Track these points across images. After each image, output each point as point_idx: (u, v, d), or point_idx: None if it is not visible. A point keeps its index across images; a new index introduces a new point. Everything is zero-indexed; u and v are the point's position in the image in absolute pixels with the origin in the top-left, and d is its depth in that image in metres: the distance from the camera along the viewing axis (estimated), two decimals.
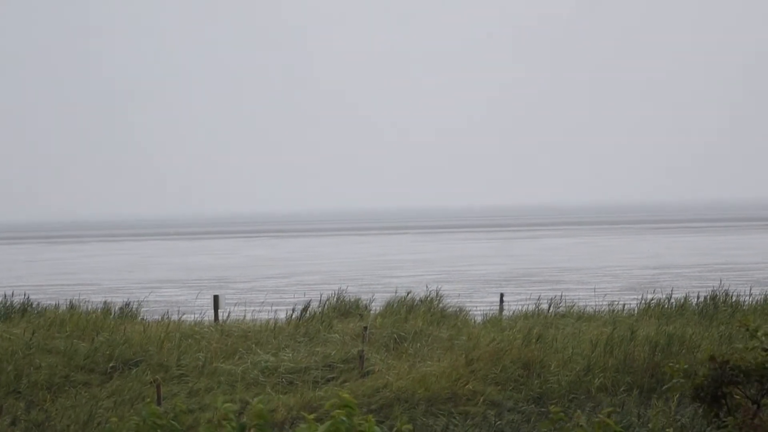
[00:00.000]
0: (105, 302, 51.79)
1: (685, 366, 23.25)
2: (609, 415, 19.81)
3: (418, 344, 42.88)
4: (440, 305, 50.15)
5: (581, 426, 18.68)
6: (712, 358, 22.37)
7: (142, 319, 50.33)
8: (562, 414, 20.63)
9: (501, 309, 51.56)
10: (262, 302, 58.95)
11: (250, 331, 46.12)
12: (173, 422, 19.51)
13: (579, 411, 31.06)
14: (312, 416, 16.99)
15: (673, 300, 49.00)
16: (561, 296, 52.32)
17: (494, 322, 47.16)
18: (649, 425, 23.21)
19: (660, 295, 50.05)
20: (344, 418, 16.78)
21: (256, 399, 17.17)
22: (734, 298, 49.28)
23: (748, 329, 22.35)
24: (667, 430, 22.23)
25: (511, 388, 38.00)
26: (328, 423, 16.65)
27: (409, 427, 18.60)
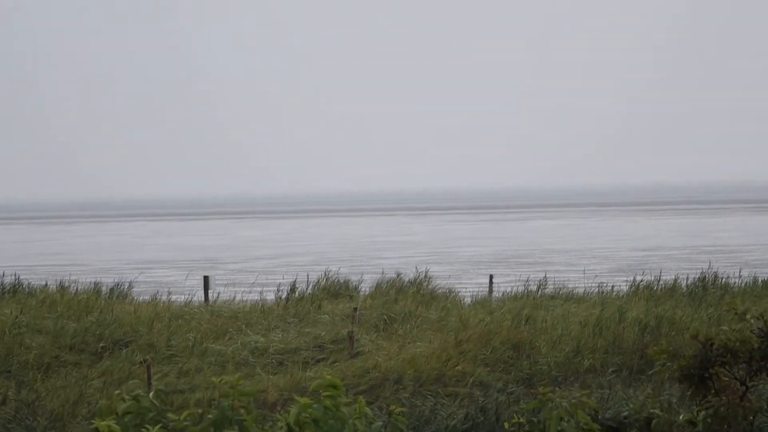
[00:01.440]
0: (95, 283, 51.84)
1: (670, 348, 23.36)
2: (589, 396, 19.97)
3: (408, 325, 42.96)
4: (429, 287, 50.25)
5: (563, 406, 18.82)
6: (694, 337, 22.46)
7: (133, 299, 50.40)
8: (550, 395, 20.80)
9: (490, 290, 51.67)
10: (252, 283, 59.00)
11: (240, 312, 46.21)
12: (162, 406, 19.67)
13: (559, 390, 31.24)
14: (304, 399, 17.14)
15: (662, 282, 49.08)
16: (550, 278, 52.47)
17: (483, 303, 47.24)
18: (633, 406, 23.26)
19: (649, 277, 50.14)
20: (317, 405, 16.93)
21: (236, 376, 17.23)
22: (723, 281, 49.38)
23: (736, 312, 22.45)
24: (652, 410, 22.29)
25: (500, 369, 38.09)
26: (298, 407, 16.79)
27: (403, 410, 18.76)
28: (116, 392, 20.39)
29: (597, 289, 50.00)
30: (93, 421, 18.37)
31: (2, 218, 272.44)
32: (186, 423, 17.86)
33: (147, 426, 18.14)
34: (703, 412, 21.54)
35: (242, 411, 16.90)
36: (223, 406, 16.96)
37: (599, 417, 19.34)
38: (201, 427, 17.03)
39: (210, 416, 17.13)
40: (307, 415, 16.58)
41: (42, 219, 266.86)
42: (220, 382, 17.58)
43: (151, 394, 18.25)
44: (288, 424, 16.59)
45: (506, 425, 21.27)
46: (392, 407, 17.95)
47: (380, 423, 17.38)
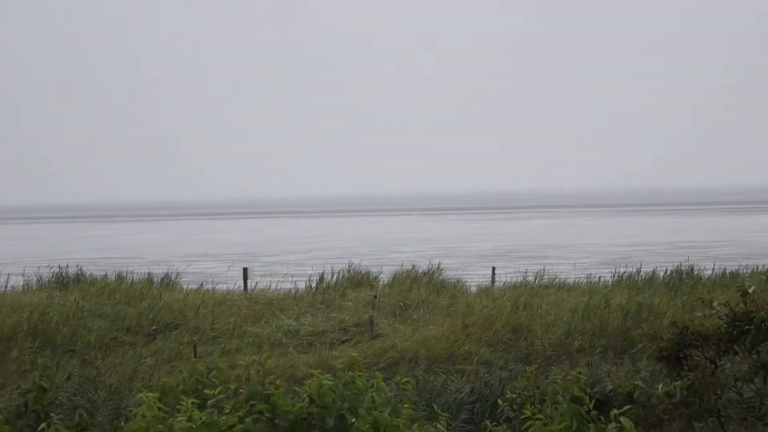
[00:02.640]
0: (148, 273, 51.95)
1: (651, 332, 23.41)
2: (580, 372, 19.97)
3: (421, 311, 42.98)
4: (440, 277, 50.28)
5: (557, 381, 18.81)
6: (673, 323, 22.51)
7: (181, 288, 50.48)
8: (538, 372, 20.83)
9: (493, 280, 51.68)
10: (285, 274, 59.02)
11: (274, 299, 46.26)
12: (213, 379, 19.69)
13: (555, 368, 31.26)
14: (324, 374, 17.17)
15: (642, 273, 49.13)
16: (545, 269, 52.45)
17: (487, 292, 47.26)
18: (617, 381, 23.30)
19: (631, 269, 50.18)
20: (330, 382, 16.96)
21: (264, 356, 17.32)
22: (696, 272, 49.41)
23: (703, 301, 22.50)
24: (636, 381, 22.32)
25: (501, 349, 38.11)
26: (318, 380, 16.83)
27: (408, 380, 18.77)
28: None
29: (585, 279, 50.04)
30: (142, 394, 18.40)
31: (70, 217, 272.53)
32: (221, 396, 17.90)
33: (184, 399, 18.18)
34: (679, 383, 21.59)
35: (271, 386, 16.95)
36: (254, 383, 17.00)
37: (588, 391, 19.34)
38: (235, 400, 17.08)
39: (242, 390, 17.19)
40: (326, 388, 16.66)
41: (104, 218, 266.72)
42: (250, 361, 17.61)
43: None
44: (309, 396, 16.64)
45: (500, 402, 21.29)
46: (399, 378, 18.02)
47: (393, 394, 17.42)
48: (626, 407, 18.55)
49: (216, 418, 16.84)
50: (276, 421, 16.60)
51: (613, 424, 17.07)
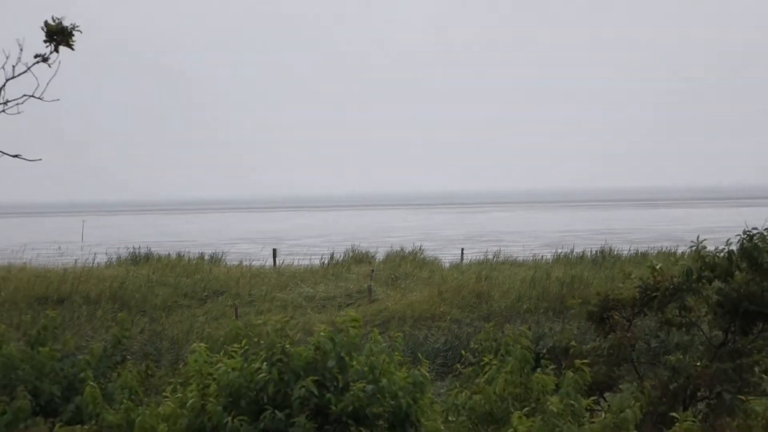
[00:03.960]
0: (201, 253, 51.99)
1: (581, 298, 23.41)
2: (529, 328, 19.94)
3: (407, 281, 43.07)
4: (421, 256, 50.31)
5: (509, 335, 18.78)
6: (598, 293, 22.50)
7: (225, 264, 50.48)
8: (494, 328, 20.81)
9: (462, 258, 51.69)
10: (305, 253, 59.13)
11: (296, 272, 46.37)
12: (249, 332, 19.64)
13: (508, 325, 31.29)
14: (327, 328, 17.15)
15: (575, 253, 49.17)
16: (501, 250, 52.48)
17: (457, 267, 47.31)
18: (555, 337, 23.30)
19: (566, 250, 50.22)
20: (331, 339, 16.93)
21: (280, 316, 17.56)
22: (616, 252, 49.42)
23: (624, 273, 22.47)
24: (569, 342, 22.30)
25: (468, 310, 38.14)
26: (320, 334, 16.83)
27: (399, 334, 18.73)
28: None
29: (532, 257, 50.03)
30: (195, 344, 18.40)
31: (141, 210, 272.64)
32: (247, 347, 17.87)
33: (226, 346, 18.16)
34: (599, 338, 21.57)
35: (286, 340, 16.96)
36: (271, 337, 16.99)
37: (535, 346, 19.36)
38: (259, 350, 17.07)
39: (263, 343, 17.18)
40: (324, 338, 16.67)
41: (166, 211, 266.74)
42: (267, 320, 17.67)
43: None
44: (314, 345, 16.63)
45: (463, 352, 21.27)
46: (391, 332, 17.99)
47: (386, 344, 17.38)
48: (583, 361, 18.50)
49: (246, 362, 16.85)
50: (290, 365, 16.59)
51: (571, 372, 16.93)
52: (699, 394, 20.15)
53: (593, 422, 16.79)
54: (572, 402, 15.40)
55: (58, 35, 14.82)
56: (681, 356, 20.51)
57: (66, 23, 14.88)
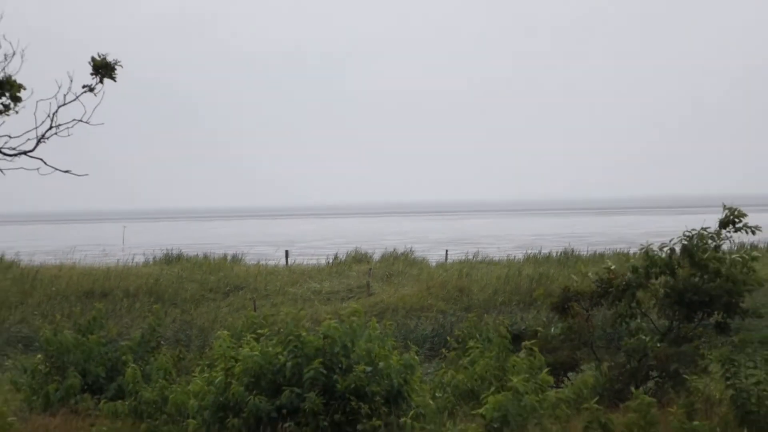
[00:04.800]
0: (223, 253, 51.95)
1: (547, 292, 23.42)
2: (504, 319, 19.98)
3: (400, 278, 43.02)
4: (412, 256, 50.25)
5: (488, 324, 18.78)
6: (561, 287, 22.54)
7: (245, 263, 50.44)
8: (476, 318, 20.78)
9: (446, 258, 51.64)
10: (312, 254, 59.14)
11: (305, 270, 46.31)
12: (263, 320, 19.62)
13: (487, 315, 31.35)
14: (333, 319, 17.16)
15: (542, 253, 49.14)
16: (479, 251, 52.47)
17: (442, 265, 47.26)
18: (526, 323, 23.36)
19: (535, 251, 50.20)
20: (336, 326, 16.93)
21: (288, 309, 17.66)
22: (576, 253, 49.37)
23: (582, 272, 22.53)
24: (537, 328, 22.31)
25: (451, 302, 38.11)
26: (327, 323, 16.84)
27: (392, 323, 18.73)
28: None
29: (506, 257, 50.00)
30: (219, 332, 18.39)
31: (175, 217, 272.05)
32: (268, 333, 17.84)
33: (246, 334, 18.13)
34: (561, 325, 21.60)
35: (300, 328, 16.96)
36: (289, 326, 16.98)
37: (509, 329, 19.38)
38: (278, 338, 17.06)
39: (282, 330, 17.18)
40: (332, 327, 16.69)
41: (193, 218, 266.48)
42: (287, 312, 17.70)
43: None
44: (323, 333, 16.65)
45: (448, 339, 21.30)
46: (385, 322, 17.99)
47: (381, 332, 17.39)
48: (533, 341, 18.55)
49: (266, 347, 16.84)
50: (303, 350, 16.59)
51: (524, 351, 17.00)
52: (650, 374, 20.17)
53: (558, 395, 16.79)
54: (536, 381, 15.40)
55: (103, 69, 14.81)
56: (637, 340, 20.53)
57: (109, 59, 14.87)
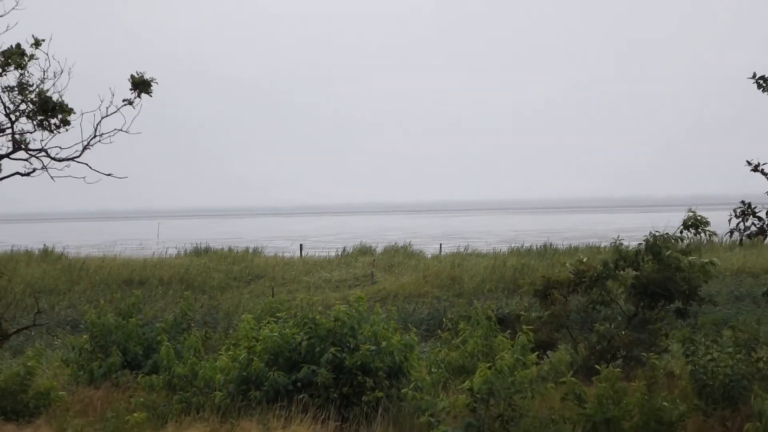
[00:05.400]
0: (246, 247, 51.99)
1: (530, 280, 23.42)
2: (491, 304, 19.98)
3: (400, 268, 43.04)
4: (410, 249, 50.26)
5: (478, 308, 18.79)
6: (542, 276, 22.54)
7: (265, 255, 50.48)
8: (466, 303, 20.81)
9: (440, 251, 51.63)
10: (323, 247, 59.13)
11: (317, 261, 46.34)
12: (280, 305, 19.62)
13: (476, 301, 31.34)
14: (342, 304, 17.18)
15: (524, 246, 49.08)
16: (469, 245, 52.46)
17: (437, 257, 47.24)
18: (510, 309, 23.31)
19: (518, 245, 50.15)
20: (343, 311, 16.96)
21: (302, 296, 17.75)
22: (555, 246, 49.32)
23: (561, 263, 22.57)
24: (520, 311, 22.30)
25: (445, 289, 38.09)
26: (339, 308, 16.85)
27: (393, 308, 18.74)
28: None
29: (492, 250, 49.98)
30: (243, 315, 18.40)
31: (202, 215, 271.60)
32: (286, 315, 17.84)
33: (266, 317, 18.14)
34: (546, 312, 21.59)
35: (314, 312, 16.98)
36: (305, 309, 17.00)
37: (495, 313, 19.38)
38: (294, 321, 17.08)
39: (298, 314, 17.20)
40: (342, 312, 16.70)
41: (219, 215, 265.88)
42: (303, 298, 17.72)
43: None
44: (334, 316, 16.67)
45: (444, 320, 21.30)
46: (388, 306, 18.01)
47: (384, 315, 17.40)
48: (516, 323, 18.56)
49: (284, 329, 16.87)
50: (317, 331, 16.60)
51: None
52: (618, 353, 20.20)
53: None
54: (520, 357, 15.41)
55: (140, 85, 14.87)
56: (606, 325, 20.56)
57: (146, 77, 14.91)
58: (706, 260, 21.05)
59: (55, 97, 14.51)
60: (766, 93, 17.13)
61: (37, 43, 14.60)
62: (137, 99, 14.95)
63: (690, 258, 20.97)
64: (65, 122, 14.60)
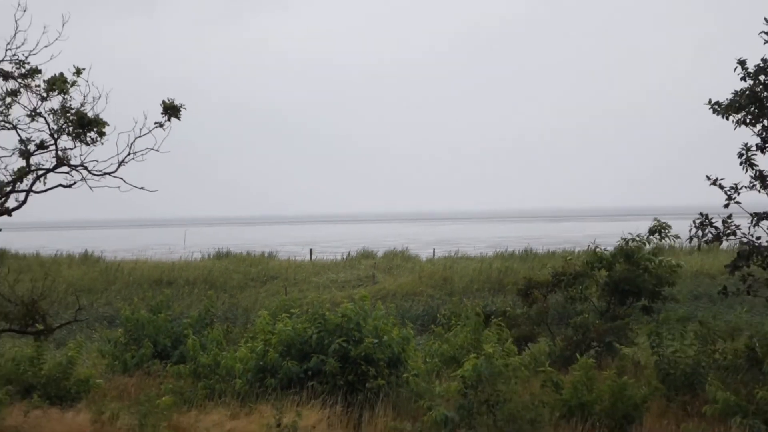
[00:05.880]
0: (262, 251, 51.98)
1: (513, 280, 23.43)
2: (478, 303, 19.96)
3: (399, 270, 43.02)
4: (407, 253, 50.25)
5: (467, 305, 18.79)
6: (524, 278, 22.56)
7: (278, 258, 50.48)
8: (457, 301, 20.79)
9: (434, 255, 51.60)
10: (330, 251, 59.13)
11: (325, 264, 46.30)
12: (293, 303, 19.60)
13: (465, 299, 31.33)
14: (348, 302, 17.19)
15: (509, 251, 49.07)
16: (459, 249, 52.47)
17: (431, 260, 47.22)
18: (496, 306, 23.36)
19: (503, 249, 50.13)
20: (350, 308, 16.95)
21: (313, 295, 17.77)
22: (534, 251, 49.30)
23: (542, 265, 22.59)
24: (505, 308, 22.33)
25: (438, 289, 38.06)
26: (343, 306, 16.86)
27: (392, 305, 18.75)
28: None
29: (479, 254, 49.95)
30: (260, 312, 18.41)
31: (221, 223, 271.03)
32: (298, 312, 17.84)
33: (281, 313, 18.14)
34: (530, 309, 21.61)
35: (324, 309, 16.97)
36: (316, 306, 17.00)
37: (483, 310, 19.39)
38: (306, 316, 17.08)
39: (309, 310, 17.19)
40: (349, 309, 16.71)
41: (238, 224, 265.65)
42: (314, 297, 17.73)
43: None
44: (341, 313, 16.67)
45: (438, 315, 21.32)
46: (388, 304, 18.02)
47: (385, 311, 17.41)
48: (500, 318, 18.56)
49: (296, 323, 16.87)
50: (326, 325, 16.61)
51: (494, 327, 17.00)
52: (591, 344, 20.21)
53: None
54: (503, 349, 15.43)
55: (171, 110, 14.92)
56: (583, 316, 20.58)
57: (176, 102, 14.96)
58: (673, 262, 21.09)
59: (90, 114, 14.60)
60: (719, 116, 17.15)
61: (78, 72, 14.69)
62: (167, 122, 15.00)
63: (660, 258, 21.02)
64: (101, 134, 14.69)
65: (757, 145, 16.94)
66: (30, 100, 14.61)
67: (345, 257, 49.09)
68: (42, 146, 14.78)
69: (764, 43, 16.58)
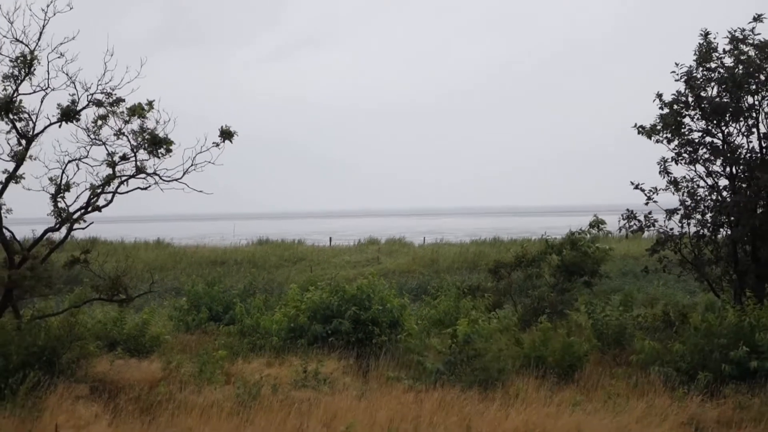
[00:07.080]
0: (293, 239, 51.90)
1: (485, 262, 23.38)
2: (458, 279, 19.90)
3: (397, 253, 42.97)
4: (404, 240, 50.14)
5: (448, 281, 18.77)
6: (494, 260, 22.52)
7: (305, 244, 50.42)
8: (442, 278, 20.76)
9: (424, 242, 51.53)
10: (345, 239, 59.08)
11: (341, 249, 46.28)
12: (314, 280, 19.54)
13: (448, 276, 31.30)
14: (362, 278, 17.17)
15: (482, 238, 48.90)
16: (444, 237, 52.35)
17: (423, 246, 47.16)
18: (471, 282, 23.34)
19: (477, 237, 49.98)
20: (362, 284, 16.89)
21: (332, 272, 17.76)
22: (502, 238, 49.01)
23: (507, 249, 22.54)
24: (482, 283, 22.29)
25: (427, 268, 38.00)
26: (359, 282, 16.82)
27: (394, 281, 18.72)
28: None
29: (459, 241, 49.85)
30: (291, 285, 18.41)
31: (258, 217, 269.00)
32: (321, 284, 17.83)
33: (308, 286, 18.14)
34: (499, 284, 21.59)
35: (342, 283, 16.96)
36: (335, 281, 17.01)
37: (462, 286, 19.39)
38: (328, 289, 17.08)
39: (330, 284, 17.19)
40: (363, 284, 16.69)
41: (274, 218, 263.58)
42: (334, 274, 17.70)
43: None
44: (357, 286, 16.68)
45: (428, 288, 21.32)
46: (390, 280, 18.00)
47: (387, 285, 17.40)
48: (478, 292, 18.51)
49: (321, 294, 16.88)
50: (344, 296, 16.61)
51: (476, 298, 16.91)
52: (545, 310, 20.23)
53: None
54: (480, 315, 15.44)
55: (226, 134, 15.00)
56: (540, 289, 20.57)
57: (231, 129, 15.09)
58: (607, 247, 21.14)
59: (161, 135, 14.75)
60: (644, 136, 17.18)
61: (150, 104, 14.84)
62: (222, 144, 15.10)
63: (597, 245, 21.08)
64: (168, 150, 14.82)
65: (672, 157, 17.03)
66: (116, 122, 14.79)
67: (356, 243, 49.06)
68: (124, 158, 14.89)
69: (675, 81, 16.75)
